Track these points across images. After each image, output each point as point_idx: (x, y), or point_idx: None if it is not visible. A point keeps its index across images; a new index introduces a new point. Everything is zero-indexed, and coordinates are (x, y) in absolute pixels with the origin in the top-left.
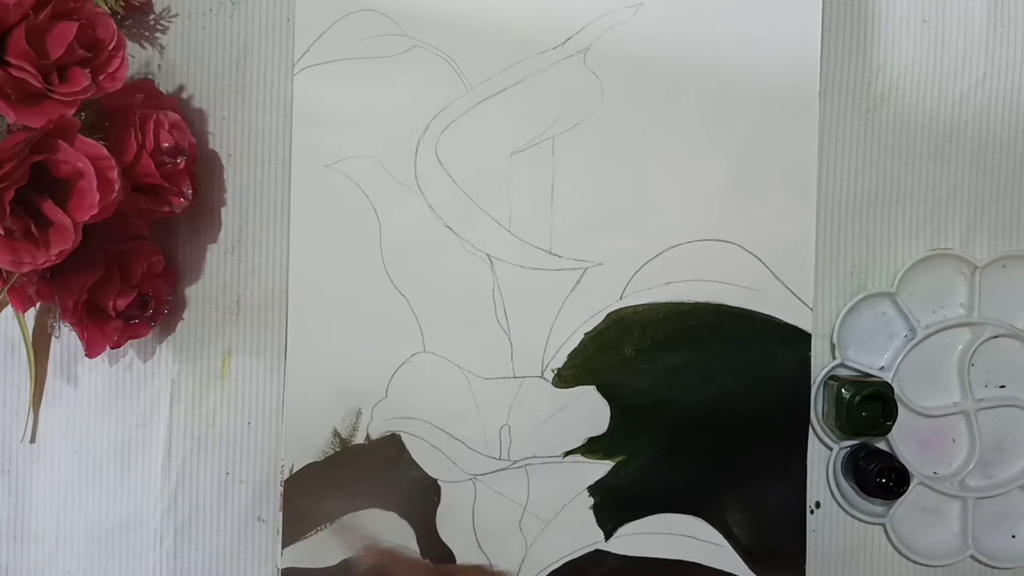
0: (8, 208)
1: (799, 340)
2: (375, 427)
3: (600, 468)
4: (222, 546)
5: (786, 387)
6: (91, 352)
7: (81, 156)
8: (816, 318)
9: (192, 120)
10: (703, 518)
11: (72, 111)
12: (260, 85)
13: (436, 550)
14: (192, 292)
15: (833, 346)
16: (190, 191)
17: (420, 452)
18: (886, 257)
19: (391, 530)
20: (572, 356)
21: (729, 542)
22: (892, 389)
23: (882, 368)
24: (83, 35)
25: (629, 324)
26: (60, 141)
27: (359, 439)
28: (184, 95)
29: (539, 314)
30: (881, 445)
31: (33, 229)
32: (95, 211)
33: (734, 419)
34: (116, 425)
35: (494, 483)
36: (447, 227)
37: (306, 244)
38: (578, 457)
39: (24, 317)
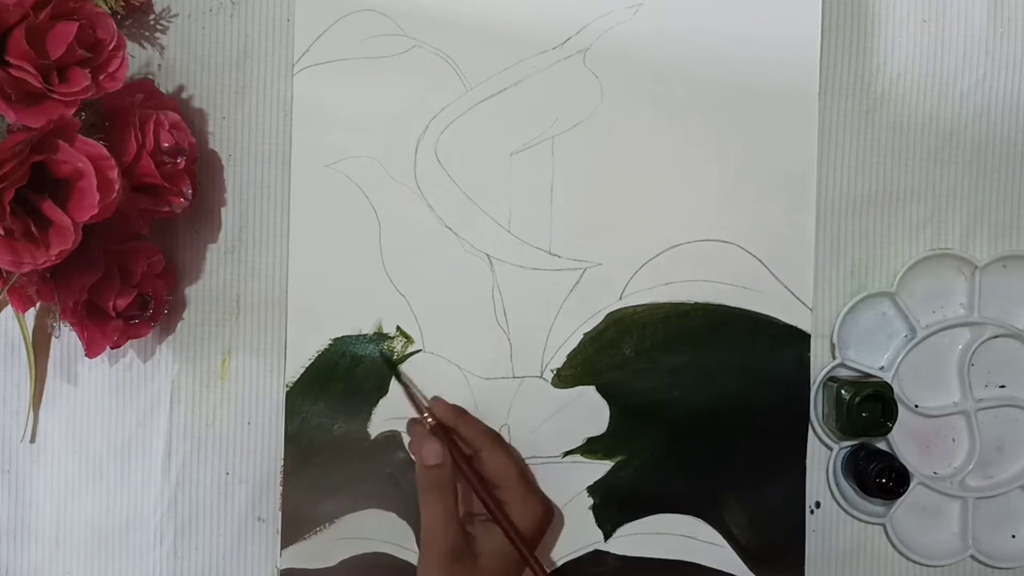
0: (8, 208)
1: (799, 340)
2: (375, 427)
3: (599, 468)
4: (222, 546)
5: (786, 387)
6: (91, 352)
7: (81, 156)
8: (816, 318)
9: (192, 120)
10: (703, 518)
11: (72, 111)
12: (260, 85)
13: None
14: (192, 292)
15: (833, 346)
16: (190, 191)
17: None
18: (886, 257)
19: (391, 530)
20: (571, 356)
21: (729, 542)
22: (892, 389)
23: (882, 368)
24: (83, 35)
25: (628, 324)
26: (60, 141)
27: (359, 439)
28: (184, 95)
29: (539, 314)
30: (881, 445)
31: (33, 229)
32: (95, 211)
33: (734, 419)
34: (116, 425)
35: None
36: (447, 227)
37: (306, 244)
38: (577, 457)
39: (24, 317)
